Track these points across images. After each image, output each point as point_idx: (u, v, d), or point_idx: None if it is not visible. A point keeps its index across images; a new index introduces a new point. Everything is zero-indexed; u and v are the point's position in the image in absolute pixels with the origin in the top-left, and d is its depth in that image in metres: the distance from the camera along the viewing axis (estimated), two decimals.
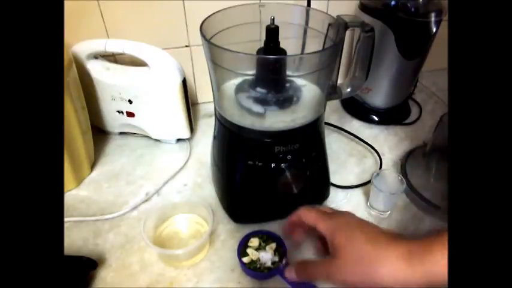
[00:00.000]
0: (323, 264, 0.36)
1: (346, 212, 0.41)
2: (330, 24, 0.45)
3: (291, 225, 0.43)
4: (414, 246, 0.31)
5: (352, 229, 0.36)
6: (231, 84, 0.48)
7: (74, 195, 0.57)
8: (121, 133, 0.69)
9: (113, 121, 0.66)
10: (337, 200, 0.56)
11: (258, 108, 0.45)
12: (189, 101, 0.63)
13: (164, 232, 0.50)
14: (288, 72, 0.44)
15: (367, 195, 0.57)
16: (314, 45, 0.48)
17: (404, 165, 0.61)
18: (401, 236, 0.34)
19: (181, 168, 0.62)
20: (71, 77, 0.52)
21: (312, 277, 0.39)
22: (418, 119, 0.75)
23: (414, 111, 0.78)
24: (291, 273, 0.40)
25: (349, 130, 0.69)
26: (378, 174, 0.53)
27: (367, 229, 0.36)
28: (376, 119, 0.74)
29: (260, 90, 0.45)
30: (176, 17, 0.64)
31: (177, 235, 0.50)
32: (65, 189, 0.57)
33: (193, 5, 0.64)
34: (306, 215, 0.40)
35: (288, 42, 0.45)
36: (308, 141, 0.47)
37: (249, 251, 0.46)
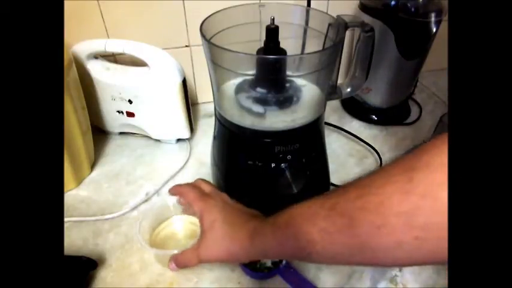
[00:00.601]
0: (192, 249, 0.38)
1: (222, 194, 0.42)
2: (330, 24, 0.45)
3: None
4: (260, 224, 0.35)
5: (217, 210, 0.39)
6: (231, 84, 0.48)
7: (74, 195, 0.57)
8: (121, 133, 0.69)
9: (113, 121, 0.66)
10: None
11: (258, 108, 0.45)
12: (189, 101, 0.63)
13: (162, 233, 0.49)
14: (288, 72, 0.44)
15: None
16: (314, 45, 0.48)
17: None
18: (256, 216, 0.38)
19: (181, 168, 0.62)
20: (71, 77, 0.52)
21: (187, 263, 0.39)
22: (418, 119, 0.75)
23: (414, 111, 0.78)
24: (172, 266, 0.40)
25: (349, 130, 0.69)
26: None
27: (230, 211, 0.39)
28: (376, 119, 0.74)
29: (260, 90, 0.45)
30: (176, 17, 0.64)
31: (174, 236, 0.49)
32: (65, 189, 0.57)
33: (193, 5, 0.64)
34: (186, 194, 0.42)
35: (288, 42, 0.45)
36: (308, 141, 0.47)
37: None
